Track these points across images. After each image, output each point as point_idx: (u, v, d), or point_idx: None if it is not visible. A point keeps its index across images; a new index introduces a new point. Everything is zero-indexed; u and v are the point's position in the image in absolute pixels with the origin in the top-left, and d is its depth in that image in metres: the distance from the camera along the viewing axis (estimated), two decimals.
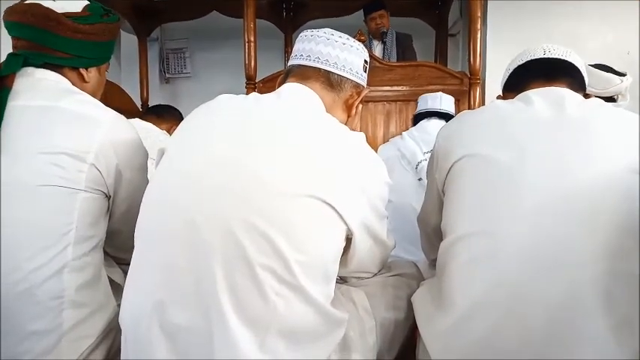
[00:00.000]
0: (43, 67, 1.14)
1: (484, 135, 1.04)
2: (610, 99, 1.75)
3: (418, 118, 2.27)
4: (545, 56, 1.18)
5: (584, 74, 1.18)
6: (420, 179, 2.04)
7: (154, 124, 2.16)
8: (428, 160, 2.00)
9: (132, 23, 4.03)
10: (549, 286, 0.88)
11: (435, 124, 2.17)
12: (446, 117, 2.21)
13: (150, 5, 4.20)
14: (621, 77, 1.76)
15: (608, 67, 1.80)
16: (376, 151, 2.04)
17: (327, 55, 1.11)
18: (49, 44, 1.13)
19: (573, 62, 1.17)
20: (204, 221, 0.89)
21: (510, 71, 1.25)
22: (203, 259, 0.88)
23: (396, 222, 1.99)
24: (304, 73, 1.11)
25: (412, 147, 2.10)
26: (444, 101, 2.25)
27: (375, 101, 3.04)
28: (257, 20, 2.91)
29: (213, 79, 4.72)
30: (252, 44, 2.87)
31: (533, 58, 1.20)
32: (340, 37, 1.14)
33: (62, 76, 1.16)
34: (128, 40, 4.28)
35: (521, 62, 1.22)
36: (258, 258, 0.87)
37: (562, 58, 1.17)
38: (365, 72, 1.18)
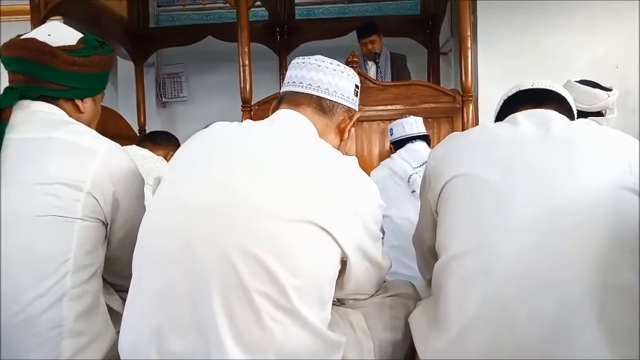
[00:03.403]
0: (39, 100, 1.16)
1: (473, 155, 1.06)
2: (597, 113, 1.77)
3: (400, 143, 2.40)
4: (534, 87, 1.22)
5: (572, 105, 1.22)
6: (413, 191, 2.13)
7: (150, 150, 2.17)
8: (419, 173, 2.10)
9: (128, 49, 4.07)
10: (542, 302, 0.89)
11: (421, 144, 2.35)
12: (425, 138, 2.40)
13: (146, 32, 4.27)
14: (607, 92, 1.78)
15: (594, 82, 1.84)
16: (368, 173, 2.11)
17: (319, 81, 1.13)
18: (44, 77, 1.15)
19: (560, 93, 1.21)
20: (201, 248, 0.90)
21: (501, 103, 1.29)
22: (200, 285, 0.89)
23: (394, 237, 2.03)
24: (296, 100, 1.14)
25: (402, 164, 2.23)
26: (419, 124, 2.42)
27: (370, 120, 3.07)
28: (251, 44, 2.95)
29: (209, 103, 4.76)
30: (247, 68, 2.90)
31: (521, 89, 1.24)
32: (331, 63, 1.16)
33: (58, 108, 1.18)
34: (125, 66, 4.31)
35: (510, 94, 1.26)
36: (254, 284, 0.87)
37: (549, 88, 1.21)
38: (356, 96, 1.20)
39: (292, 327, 0.89)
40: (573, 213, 0.91)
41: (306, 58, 1.17)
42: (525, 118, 1.09)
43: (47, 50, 1.14)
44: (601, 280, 0.88)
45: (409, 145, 2.35)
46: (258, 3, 3.43)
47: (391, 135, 2.49)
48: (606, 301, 0.87)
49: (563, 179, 0.95)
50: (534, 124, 1.06)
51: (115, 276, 1.24)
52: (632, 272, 0.90)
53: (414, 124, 2.42)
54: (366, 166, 2.52)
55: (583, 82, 1.84)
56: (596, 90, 1.79)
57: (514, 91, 1.26)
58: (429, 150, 2.31)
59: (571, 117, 1.18)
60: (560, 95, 1.21)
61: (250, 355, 0.87)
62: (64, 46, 1.17)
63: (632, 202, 0.93)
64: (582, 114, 1.71)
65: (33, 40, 1.14)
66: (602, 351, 0.86)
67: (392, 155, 2.37)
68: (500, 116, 1.26)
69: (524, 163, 0.99)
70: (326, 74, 1.14)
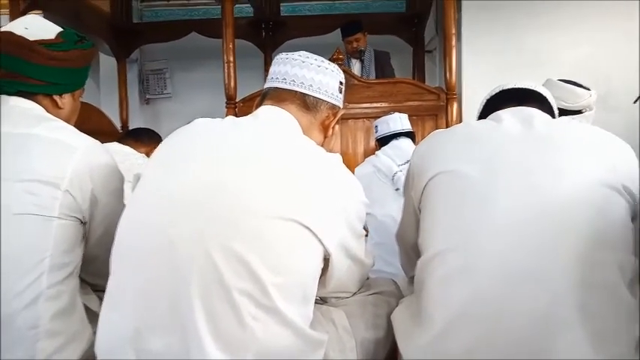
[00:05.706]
0: (17, 95, 1.13)
1: (456, 152, 1.06)
2: (577, 112, 1.82)
3: (384, 140, 2.41)
4: (516, 87, 1.23)
5: (554, 105, 1.23)
6: (397, 189, 2.13)
7: (132, 147, 2.14)
8: (403, 171, 2.11)
9: (111, 45, 4.02)
10: (524, 300, 0.89)
11: (406, 141, 2.37)
12: (409, 135, 2.42)
13: (129, 27, 4.22)
14: (589, 92, 1.84)
15: (573, 81, 1.88)
16: (353, 171, 2.12)
17: (303, 77, 1.12)
18: (22, 72, 1.13)
19: (542, 92, 1.22)
20: (181, 244, 0.89)
21: (484, 103, 1.30)
22: (179, 283, 0.88)
23: (378, 235, 2.04)
24: (280, 96, 1.13)
25: (387, 162, 2.24)
26: (404, 121, 2.44)
27: (355, 118, 3.08)
28: (236, 40, 2.94)
29: (194, 99, 4.72)
30: (231, 64, 2.89)
31: (504, 88, 1.25)
32: (315, 59, 1.15)
33: (36, 103, 1.15)
34: (107, 62, 4.26)
35: (493, 93, 1.27)
36: (234, 282, 0.86)
37: (531, 88, 1.22)
38: (340, 93, 1.19)
39: (273, 325, 0.88)
40: (556, 211, 0.92)
41: (290, 54, 1.16)
42: (509, 115, 1.09)
43: (25, 44, 1.12)
44: (583, 279, 0.88)
45: (394, 142, 2.36)
46: None
47: (376, 132, 2.51)
48: (589, 299, 0.88)
49: (546, 176, 0.95)
50: (517, 120, 1.07)
51: (93, 275, 1.22)
52: (615, 271, 0.90)
53: (399, 121, 2.43)
54: (351, 164, 2.53)
55: (565, 81, 1.87)
56: (581, 89, 1.84)
57: (497, 91, 1.27)
58: (414, 147, 2.32)
59: (552, 116, 1.19)
60: (541, 95, 1.22)
61: (230, 354, 0.86)
62: (43, 40, 1.15)
63: (615, 201, 0.94)
64: (562, 112, 1.75)
65: (10, 34, 1.12)
66: (585, 349, 0.86)
67: (376, 152, 2.38)
68: (483, 116, 1.27)
69: (508, 160, 0.99)
70: (310, 70, 1.13)
